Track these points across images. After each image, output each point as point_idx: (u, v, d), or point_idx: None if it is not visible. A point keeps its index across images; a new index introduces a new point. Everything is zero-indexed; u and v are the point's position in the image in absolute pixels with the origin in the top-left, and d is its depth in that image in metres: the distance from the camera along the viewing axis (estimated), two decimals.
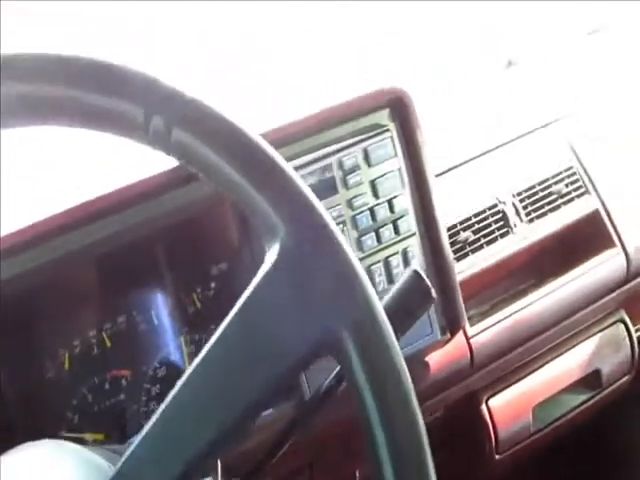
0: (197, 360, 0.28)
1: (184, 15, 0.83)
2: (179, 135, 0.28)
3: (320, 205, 0.29)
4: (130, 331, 0.52)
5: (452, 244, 0.65)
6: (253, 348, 0.28)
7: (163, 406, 0.28)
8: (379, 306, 0.28)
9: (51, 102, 0.29)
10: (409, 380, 0.28)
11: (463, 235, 0.69)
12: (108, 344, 0.52)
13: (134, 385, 0.52)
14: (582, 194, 0.75)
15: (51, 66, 0.28)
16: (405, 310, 0.36)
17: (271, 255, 0.28)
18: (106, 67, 0.28)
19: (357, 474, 0.65)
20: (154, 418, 0.28)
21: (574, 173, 0.75)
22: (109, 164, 0.53)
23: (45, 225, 0.46)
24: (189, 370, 0.28)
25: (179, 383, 0.28)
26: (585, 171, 0.76)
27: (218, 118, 0.28)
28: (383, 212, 0.56)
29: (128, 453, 0.28)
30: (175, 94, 0.28)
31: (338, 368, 0.41)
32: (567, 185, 0.75)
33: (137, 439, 0.29)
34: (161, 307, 0.54)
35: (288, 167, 0.29)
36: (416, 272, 0.38)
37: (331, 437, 0.60)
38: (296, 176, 0.28)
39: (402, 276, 0.38)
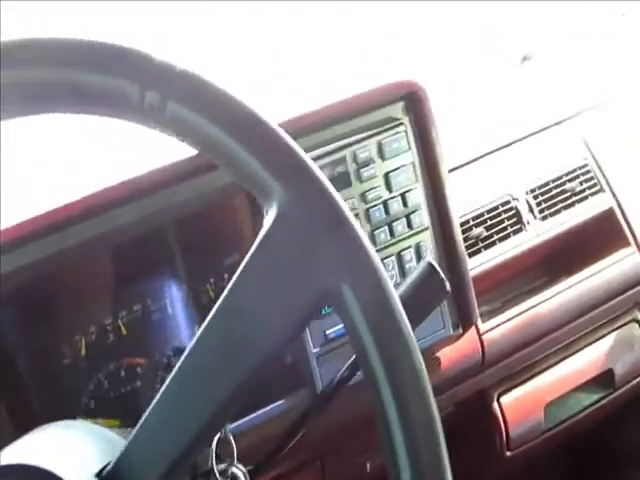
0: (206, 321, 0.29)
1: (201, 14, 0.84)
2: (175, 108, 0.28)
3: (315, 166, 0.29)
4: (145, 320, 0.53)
5: (464, 240, 0.65)
6: (258, 309, 0.28)
7: (176, 367, 0.29)
8: (376, 258, 0.28)
9: (45, 86, 0.29)
10: (409, 327, 0.28)
11: (476, 231, 0.68)
12: (124, 332, 0.52)
13: (149, 373, 0.52)
14: (596, 192, 0.75)
15: (44, 49, 0.28)
16: (419, 302, 0.36)
17: (269, 217, 0.29)
18: (99, 45, 0.28)
19: (368, 466, 0.65)
20: (168, 381, 0.29)
21: (589, 171, 0.75)
22: (124, 153, 0.54)
23: (62, 213, 0.46)
24: (199, 331, 0.29)
25: (189, 346, 0.29)
26: (600, 169, 0.75)
27: (213, 89, 0.28)
28: (396, 206, 0.56)
29: (139, 424, 0.29)
30: (169, 68, 0.28)
31: (351, 360, 0.41)
32: (581, 183, 0.74)
33: (147, 410, 0.29)
34: (176, 297, 0.55)
35: (282, 131, 0.29)
36: (430, 264, 0.38)
37: (342, 430, 0.60)
38: (290, 139, 0.29)
39: (416, 268, 0.38)
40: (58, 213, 0.46)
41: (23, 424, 0.37)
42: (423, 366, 0.28)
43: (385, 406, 0.28)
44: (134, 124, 0.30)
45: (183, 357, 0.29)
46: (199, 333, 0.29)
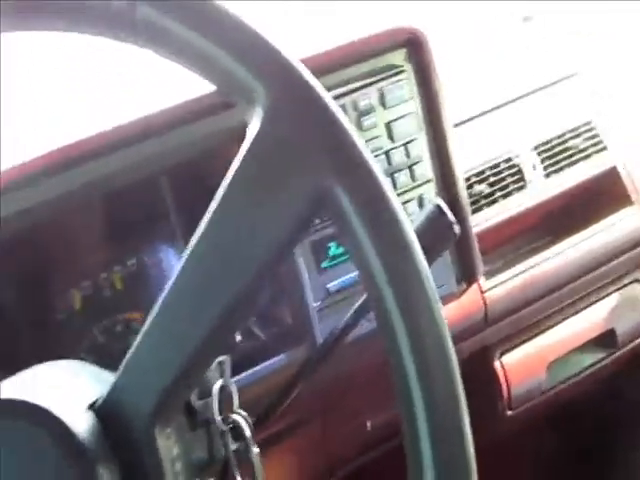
0: (196, 235, 0.27)
1: None
2: (145, 12, 0.26)
3: (300, 64, 0.27)
4: (141, 274, 0.52)
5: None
6: (250, 217, 0.27)
7: (166, 290, 0.27)
8: (368, 155, 0.27)
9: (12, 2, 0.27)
10: (408, 224, 0.27)
11: (477, 188, 0.67)
12: (119, 286, 0.51)
13: None
14: (600, 150, 0.73)
15: None
16: (427, 244, 0.35)
17: (254, 123, 0.27)
18: None
19: (368, 424, 0.65)
20: (157, 305, 0.28)
21: (592, 128, 0.73)
22: (116, 98, 0.52)
23: (52, 158, 0.45)
24: (190, 246, 0.27)
25: (180, 264, 0.27)
26: (604, 126, 0.74)
27: None
28: (399, 156, 0.55)
29: (129, 353, 0.28)
30: None
31: (354, 308, 0.40)
32: (585, 140, 0.73)
33: (137, 337, 0.28)
34: (171, 251, 0.53)
35: (260, 29, 0.27)
36: (438, 206, 0.36)
37: (343, 387, 0.60)
38: (270, 37, 0.27)
39: (424, 209, 0.37)
40: (47, 159, 0.45)
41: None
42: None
43: (398, 338, 0.26)
44: (99, 36, 0.28)
45: (173, 277, 0.27)
46: (190, 248, 0.27)
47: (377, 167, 0.27)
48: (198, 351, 0.27)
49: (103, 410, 0.28)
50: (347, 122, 0.27)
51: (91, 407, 0.28)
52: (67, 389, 0.29)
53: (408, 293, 0.26)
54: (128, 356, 0.28)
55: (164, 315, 0.28)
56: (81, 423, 0.27)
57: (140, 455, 0.28)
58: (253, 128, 0.27)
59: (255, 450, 0.36)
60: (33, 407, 0.27)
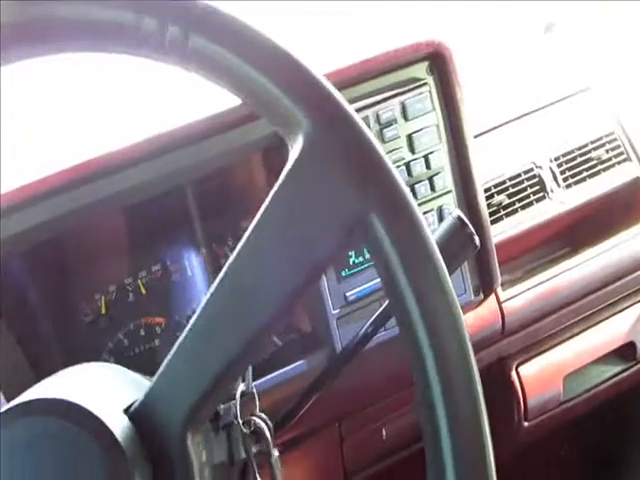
0: (230, 259, 0.28)
1: None
2: (197, 41, 0.27)
3: (341, 97, 0.28)
4: (164, 280, 0.53)
5: (486, 207, 0.64)
6: (285, 243, 0.28)
7: (200, 307, 0.29)
8: (404, 187, 0.28)
9: (60, 23, 0.28)
10: (437, 253, 0.28)
11: (497, 198, 0.67)
12: (143, 291, 0.52)
13: (168, 332, 0.53)
14: (623, 161, 0.73)
15: None
16: (447, 255, 0.36)
17: (295, 150, 0.28)
18: None
19: (384, 432, 0.65)
20: (192, 321, 0.29)
21: (615, 139, 0.73)
22: (142, 113, 0.53)
23: (81, 170, 0.46)
24: (222, 272, 0.28)
25: (215, 283, 0.29)
26: (627, 137, 0.73)
27: (234, 21, 0.28)
28: (419, 168, 0.55)
29: (165, 363, 0.29)
30: (189, 1, 0.28)
31: (374, 317, 0.40)
32: (607, 151, 0.73)
33: (173, 349, 0.29)
34: (194, 258, 0.54)
35: (305, 60, 0.28)
36: (459, 218, 0.37)
37: (360, 395, 0.60)
38: (314, 68, 0.28)
39: (444, 221, 0.37)
40: (79, 170, 0.46)
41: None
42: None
43: (420, 348, 0.27)
44: (154, 61, 0.29)
45: (208, 295, 0.29)
46: (228, 265, 0.28)
47: (411, 198, 0.28)
48: (231, 363, 0.28)
49: (138, 415, 0.29)
50: (384, 154, 0.28)
51: (126, 411, 0.29)
52: (103, 391, 0.31)
53: (436, 320, 0.27)
54: (164, 364, 0.29)
55: (201, 327, 0.29)
56: (119, 426, 0.28)
57: (171, 460, 0.29)
58: (293, 155, 0.28)
59: (275, 452, 0.37)
60: (73, 406, 0.28)
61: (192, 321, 0.29)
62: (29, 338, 0.49)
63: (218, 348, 0.28)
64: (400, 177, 0.28)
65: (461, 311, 0.28)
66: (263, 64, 0.28)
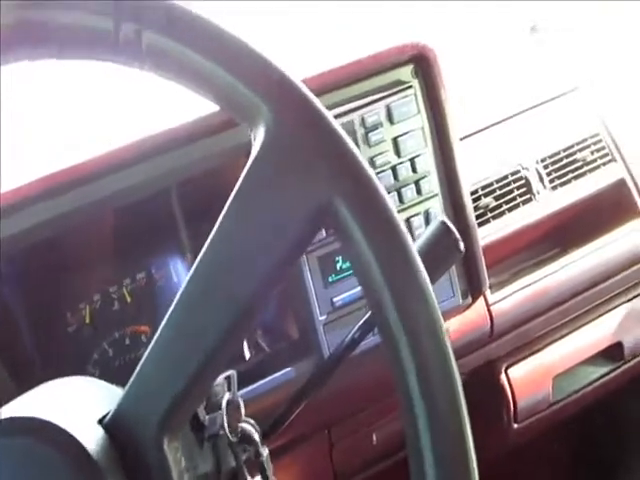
0: (199, 258, 0.28)
1: None
2: (151, 38, 0.27)
3: (301, 83, 0.28)
4: (150, 288, 0.52)
5: (473, 210, 0.64)
6: (253, 234, 0.27)
7: (172, 305, 0.28)
8: (368, 170, 0.27)
9: (10, 33, 0.27)
10: (404, 233, 0.27)
11: (484, 201, 0.67)
12: (128, 300, 0.52)
13: None
14: (608, 162, 0.73)
15: None
16: (431, 262, 0.35)
17: (258, 140, 0.28)
18: None
19: (374, 437, 0.65)
20: (164, 321, 0.28)
21: (600, 140, 0.73)
22: (125, 116, 0.53)
23: (64, 176, 0.45)
24: (196, 262, 0.28)
25: (186, 279, 0.28)
26: (612, 138, 0.74)
27: (190, 16, 0.27)
28: (405, 171, 0.55)
29: (138, 368, 0.28)
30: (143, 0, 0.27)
31: (360, 322, 0.40)
32: (592, 152, 0.73)
33: (146, 352, 0.28)
34: (180, 264, 0.54)
35: (263, 51, 0.28)
36: (444, 223, 0.37)
37: (349, 401, 0.60)
38: (272, 58, 0.28)
39: (429, 227, 0.37)
40: (60, 176, 0.45)
41: (27, 391, 0.37)
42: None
43: (400, 350, 0.27)
44: (107, 62, 0.28)
45: (179, 293, 0.28)
46: (195, 264, 0.28)
47: (379, 184, 0.27)
48: (204, 364, 0.28)
49: (112, 424, 0.28)
50: (347, 137, 0.28)
51: (100, 422, 0.29)
52: (76, 405, 0.30)
53: (409, 309, 0.27)
54: (136, 370, 0.29)
55: (171, 329, 0.28)
56: (91, 438, 0.28)
57: (149, 468, 0.28)
58: (256, 147, 0.28)
59: (265, 452, 0.36)
60: (43, 423, 0.28)
61: (162, 324, 0.28)
62: (10, 348, 0.48)
63: (189, 349, 0.28)
64: (363, 158, 0.28)
65: (437, 305, 0.27)
66: (219, 56, 0.27)
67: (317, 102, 0.28)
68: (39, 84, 0.59)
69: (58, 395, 0.31)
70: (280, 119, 0.27)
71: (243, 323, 0.28)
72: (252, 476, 0.36)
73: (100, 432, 0.28)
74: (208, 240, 0.28)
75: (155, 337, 0.28)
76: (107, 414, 0.29)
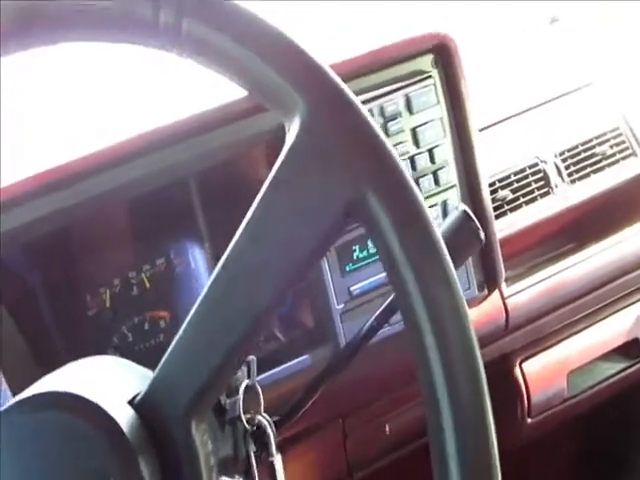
0: (230, 246, 0.28)
1: None
2: (190, 25, 0.27)
3: (338, 78, 0.28)
4: (169, 274, 0.53)
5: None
6: (286, 223, 0.28)
7: (202, 294, 0.28)
8: (402, 166, 0.28)
9: (53, 13, 0.27)
10: (434, 230, 0.27)
11: (501, 193, 0.67)
12: (147, 285, 0.52)
13: (172, 327, 0.52)
14: (627, 156, 0.72)
15: None
16: (452, 250, 0.35)
17: (292, 132, 0.28)
18: None
19: (387, 428, 0.65)
20: (194, 309, 0.29)
21: (620, 134, 0.72)
22: (145, 105, 0.53)
23: (85, 163, 0.46)
24: (222, 259, 0.28)
25: (216, 270, 0.28)
26: (632, 132, 0.73)
27: (225, 3, 0.27)
28: (423, 162, 0.55)
29: (168, 352, 0.29)
30: None
31: (378, 312, 0.40)
32: (612, 146, 0.72)
33: (175, 338, 0.29)
34: (198, 252, 0.54)
35: (302, 44, 0.28)
36: (465, 212, 0.37)
37: (364, 391, 0.60)
38: (310, 51, 0.28)
39: (450, 216, 0.37)
40: (81, 163, 0.46)
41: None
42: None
43: (426, 344, 0.27)
44: (147, 48, 0.29)
45: (209, 282, 0.28)
46: (227, 253, 0.28)
47: (410, 179, 0.27)
48: (230, 351, 0.28)
49: (142, 406, 0.29)
50: (382, 134, 0.28)
51: (130, 403, 0.29)
52: (108, 384, 0.30)
53: (437, 301, 0.27)
54: (166, 355, 0.29)
55: (200, 317, 0.29)
56: (124, 418, 0.28)
57: (177, 448, 0.29)
58: (290, 138, 0.28)
59: (277, 456, 0.37)
60: (78, 399, 0.28)
61: (192, 310, 0.29)
62: (34, 331, 0.48)
63: (217, 336, 0.28)
64: (397, 155, 0.28)
65: (464, 298, 0.27)
66: (258, 46, 0.27)
67: (353, 96, 0.28)
68: (50, 78, 0.60)
69: (90, 373, 0.32)
70: (316, 112, 0.27)
71: (269, 313, 0.29)
72: (263, 469, 0.36)
73: (131, 412, 0.29)
74: (240, 229, 0.28)
75: (185, 322, 0.29)
76: (137, 395, 0.29)
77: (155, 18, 0.27)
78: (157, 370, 0.29)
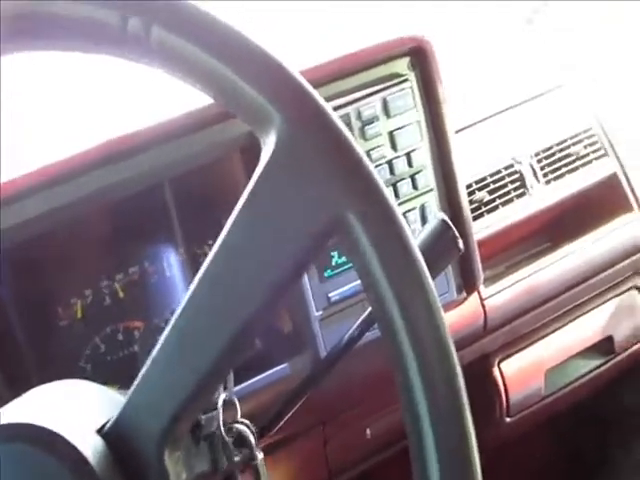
0: (206, 262, 0.27)
1: None
2: (159, 34, 0.26)
3: (316, 93, 0.27)
4: (142, 282, 0.51)
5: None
6: (264, 240, 0.27)
7: (175, 315, 0.27)
8: (383, 187, 0.27)
9: (26, 22, 0.26)
10: (418, 253, 0.27)
11: (478, 195, 0.67)
12: (121, 295, 0.51)
13: (147, 337, 0.51)
14: (601, 156, 0.74)
15: None
16: (431, 259, 0.35)
17: (268, 147, 0.27)
18: None
19: (368, 432, 0.65)
20: (167, 330, 0.27)
21: (593, 135, 0.73)
22: (118, 109, 0.51)
23: (55, 169, 0.44)
24: (198, 275, 0.27)
25: (189, 290, 0.27)
26: (604, 133, 0.74)
27: (199, 13, 0.26)
28: (401, 165, 0.55)
29: (139, 377, 0.28)
30: None
31: (359, 321, 0.40)
32: (585, 147, 0.73)
33: (147, 361, 0.28)
34: (173, 259, 0.53)
35: (278, 56, 0.27)
36: (444, 221, 0.36)
37: (345, 397, 0.60)
38: (287, 64, 0.27)
39: (428, 224, 0.37)
40: (51, 169, 0.44)
41: (19, 388, 0.36)
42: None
43: (403, 353, 0.26)
44: (115, 57, 0.28)
45: (182, 303, 0.27)
46: (202, 271, 0.27)
47: (390, 196, 0.27)
48: (208, 374, 0.27)
49: (112, 434, 0.28)
50: (360, 150, 0.27)
51: (99, 431, 0.28)
52: (75, 412, 0.29)
53: (416, 320, 0.26)
54: (138, 378, 0.28)
55: (174, 338, 0.28)
56: (90, 446, 0.27)
57: None
58: (266, 154, 0.27)
59: (260, 456, 0.36)
60: (41, 430, 0.27)
61: (167, 329, 0.28)
62: (2, 345, 0.47)
63: (193, 359, 0.27)
64: (377, 175, 0.27)
65: (443, 312, 0.27)
66: (231, 57, 0.26)
67: (333, 113, 0.27)
68: (30, 80, 0.58)
69: (55, 400, 0.30)
70: (294, 128, 0.26)
71: (249, 332, 0.28)
72: (246, 478, 0.35)
73: (99, 442, 0.27)
74: (215, 246, 0.27)
75: (157, 347, 0.28)
76: (106, 423, 0.28)
77: (123, 27, 0.26)
78: (128, 395, 0.28)
